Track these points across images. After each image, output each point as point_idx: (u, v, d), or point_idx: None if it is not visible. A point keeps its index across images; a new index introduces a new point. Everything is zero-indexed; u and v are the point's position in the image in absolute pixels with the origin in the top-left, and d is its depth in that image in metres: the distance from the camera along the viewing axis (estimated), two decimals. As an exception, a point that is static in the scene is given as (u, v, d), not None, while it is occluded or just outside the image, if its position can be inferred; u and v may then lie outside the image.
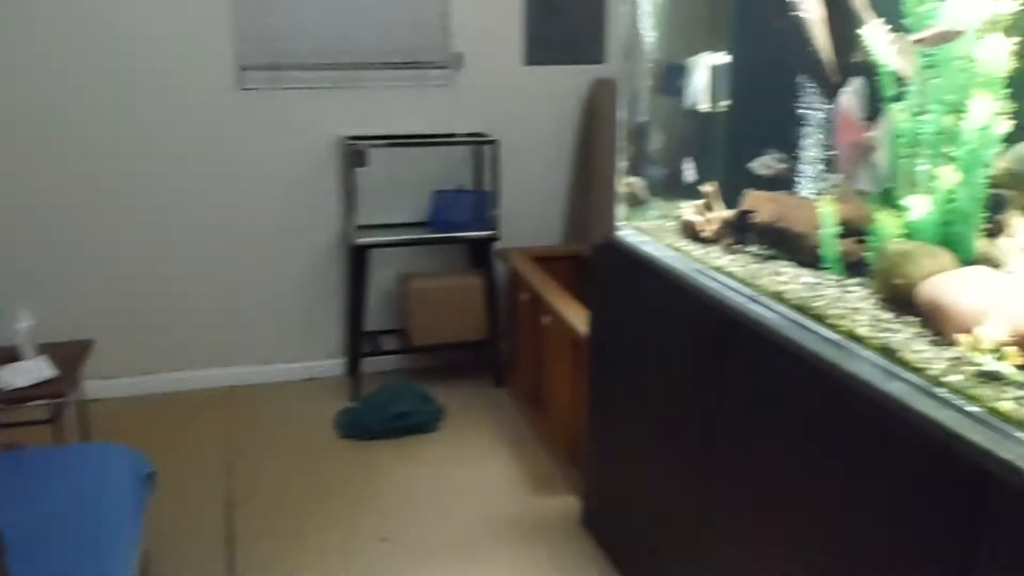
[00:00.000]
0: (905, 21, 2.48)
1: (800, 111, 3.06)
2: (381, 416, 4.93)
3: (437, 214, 5.50)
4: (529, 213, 5.81)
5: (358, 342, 5.56)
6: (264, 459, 4.74)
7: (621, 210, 3.75)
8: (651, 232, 3.49)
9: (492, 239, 5.49)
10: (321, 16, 5.32)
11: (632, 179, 3.87)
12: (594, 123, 5.73)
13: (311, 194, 5.61)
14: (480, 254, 5.63)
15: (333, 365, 5.84)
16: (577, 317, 4.22)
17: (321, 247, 5.70)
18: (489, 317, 5.54)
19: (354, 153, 5.28)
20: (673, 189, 3.64)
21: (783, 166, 2.91)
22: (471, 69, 5.58)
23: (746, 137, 3.27)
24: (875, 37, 2.52)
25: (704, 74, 3.43)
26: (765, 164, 2.93)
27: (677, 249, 3.23)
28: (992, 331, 1.98)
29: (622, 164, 3.79)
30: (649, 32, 3.84)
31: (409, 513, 4.20)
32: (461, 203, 5.47)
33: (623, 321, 3.57)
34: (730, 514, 2.72)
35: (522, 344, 5.34)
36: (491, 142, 5.44)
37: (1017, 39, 2.31)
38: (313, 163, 5.55)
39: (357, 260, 5.48)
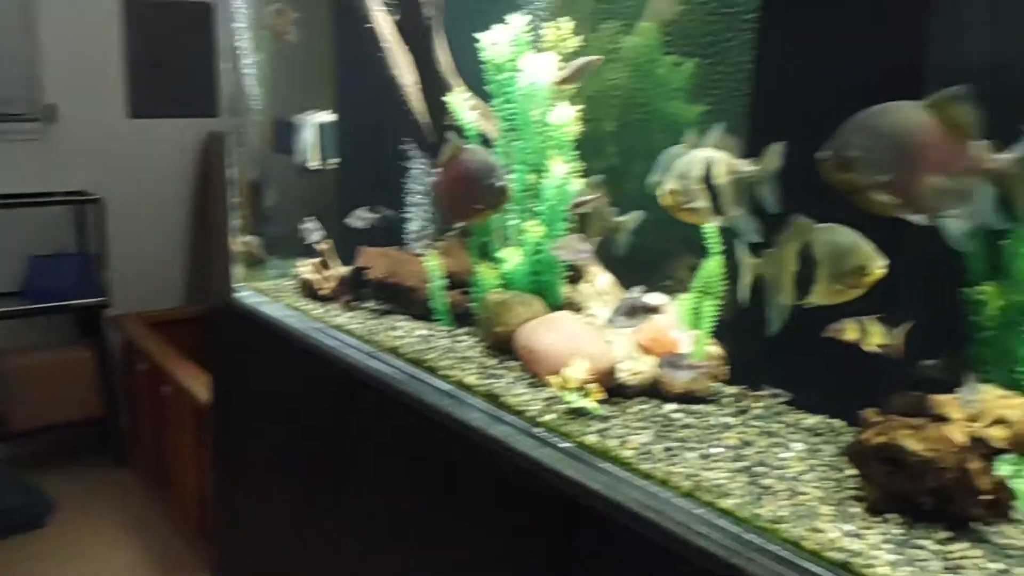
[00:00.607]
0: (487, 88, 2.69)
1: (405, 169, 3.18)
2: (-28, 518, 4.27)
3: (34, 281, 4.93)
4: (144, 275, 5.42)
5: (-60, 435, 4.79)
6: None
7: (239, 270, 3.63)
8: (271, 292, 3.42)
9: (102, 306, 5.04)
10: None
11: (249, 238, 3.76)
12: (211, 178, 5.52)
13: None
14: (89, 323, 5.14)
15: (-91, 465, 4.97)
16: (199, 384, 4.00)
17: None
18: (103, 392, 5.06)
19: (-78, 217, 4.58)
20: (291, 247, 3.59)
21: (374, 216, 2.98)
22: (68, 122, 5.11)
23: (356, 194, 3.33)
24: (459, 102, 2.70)
25: (312, 131, 3.45)
26: (359, 217, 2.99)
27: (297, 309, 3.18)
28: (576, 371, 2.17)
29: (237, 222, 3.67)
30: (257, 87, 3.78)
31: (11, 628, 3.67)
32: (62, 268, 4.97)
33: (247, 385, 3.44)
34: (363, 566, 2.71)
35: (142, 418, 4.94)
36: (94, 200, 5.01)
37: (581, 107, 2.61)
38: None
39: (-67, 340, 4.73)
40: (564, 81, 2.51)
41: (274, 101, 3.78)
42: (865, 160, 1.51)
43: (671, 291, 2.46)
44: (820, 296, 1.83)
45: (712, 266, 2.31)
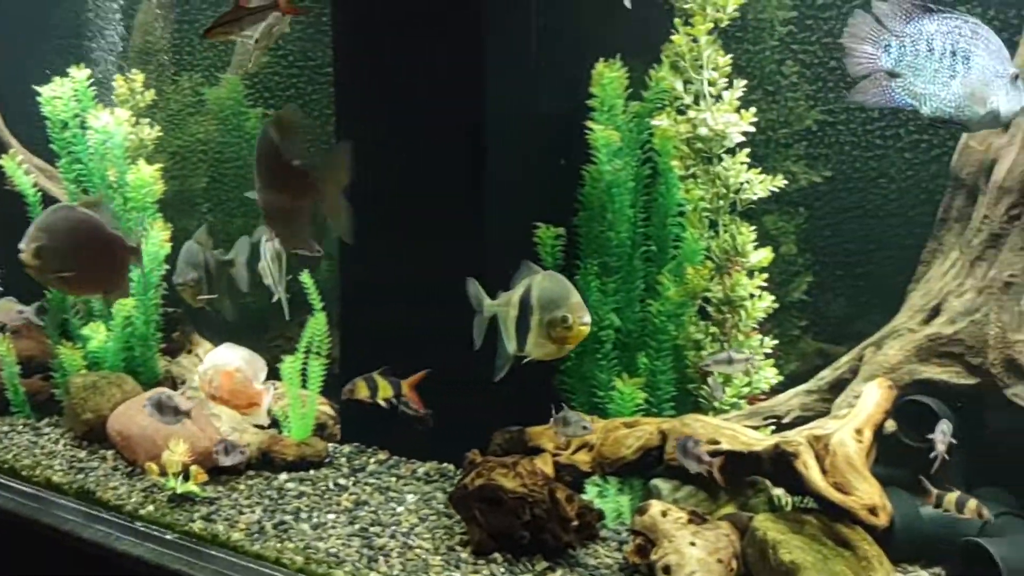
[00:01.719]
0: (53, 146, 2.43)
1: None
2: None
3: None
4: None
5: None
6: None
7: None
8: None
9: None
10: None
11: None
12: None
13: None
14: None
15: None
16: None
17: None
18: None
19: None
20: None
21: None
22: None
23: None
24: (14, 165, 2.38)
25: None
26: None
27: None
28: (175, 454, 2.01)
29: None
30: None
31: None
32: None
33: None
34: None
35: None
36: None
37: (163, 165, 2.45)
38: None
39: None
40: (259, 46, 2.28)
41: None
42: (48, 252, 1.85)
43: (282, 351, 2.37)
44: (534, 348, 1.69)
45: (317, 324, 2.26)
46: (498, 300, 1.79)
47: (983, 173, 1.91)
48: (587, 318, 1.64)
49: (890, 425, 1.86)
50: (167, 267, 2.38)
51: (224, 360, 2.02)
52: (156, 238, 2.38)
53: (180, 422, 1.95)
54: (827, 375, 2.07)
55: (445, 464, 2.17)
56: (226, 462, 2.02)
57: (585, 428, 1.84)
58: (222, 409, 2.22)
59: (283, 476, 2.11)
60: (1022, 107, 1.45)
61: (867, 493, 1.58)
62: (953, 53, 1.45)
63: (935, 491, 1.58)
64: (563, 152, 2.15)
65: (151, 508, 1.98)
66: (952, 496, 1.57)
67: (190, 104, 2.66)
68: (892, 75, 1.47)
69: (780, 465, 1.66)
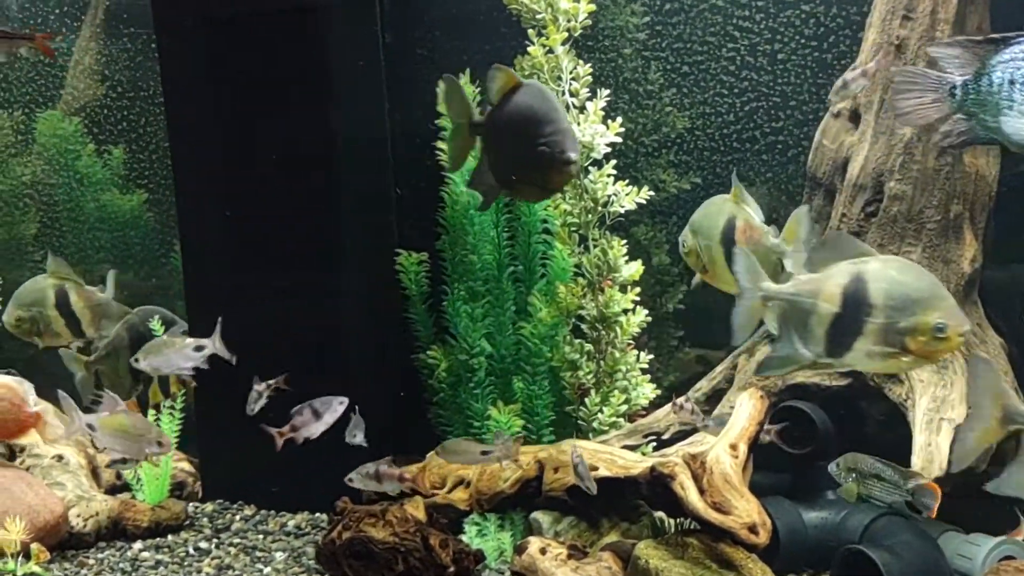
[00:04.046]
0: None
1: None
2: None
3: None
4: None
5: None
6: None
7: None
8: None
9: None
10: None
11: None
12: None
13: None
14: None
15: None
16: None
17: None
18: None
19: None
20: None
21: None
22: None
23: None
24: None
25: None
26: None
27: None
28: (12, 532, 1.81)
29: None
30: None
31: None
32: None
33: None
34: None
35: None
36: None
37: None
38: None
39: None
40: None
41: None
42: None
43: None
44: (866, 359, 1.33)
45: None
46: (789, 285, 1.39)
47: (838, 172, 1.91)
48: (967, 325, 1.29)
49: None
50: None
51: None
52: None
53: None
54: (703, 386, 2.03)
55: (318, 514, 2.02)
56: (387, 488, 1.62)
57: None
58: (64, 472, 2.04)
59: (137, 545, 1.92)
60: None
61: (746, 511, 1.53)
62: (1011, 82, 1.37)
63: None
64: (414, 176, 2.06)
65: (-15, 596, 1.77)
66: None
67: (12, 144, 2.45)
68: (969, 115, 1.40)
69: (657, 488, 1.59)
